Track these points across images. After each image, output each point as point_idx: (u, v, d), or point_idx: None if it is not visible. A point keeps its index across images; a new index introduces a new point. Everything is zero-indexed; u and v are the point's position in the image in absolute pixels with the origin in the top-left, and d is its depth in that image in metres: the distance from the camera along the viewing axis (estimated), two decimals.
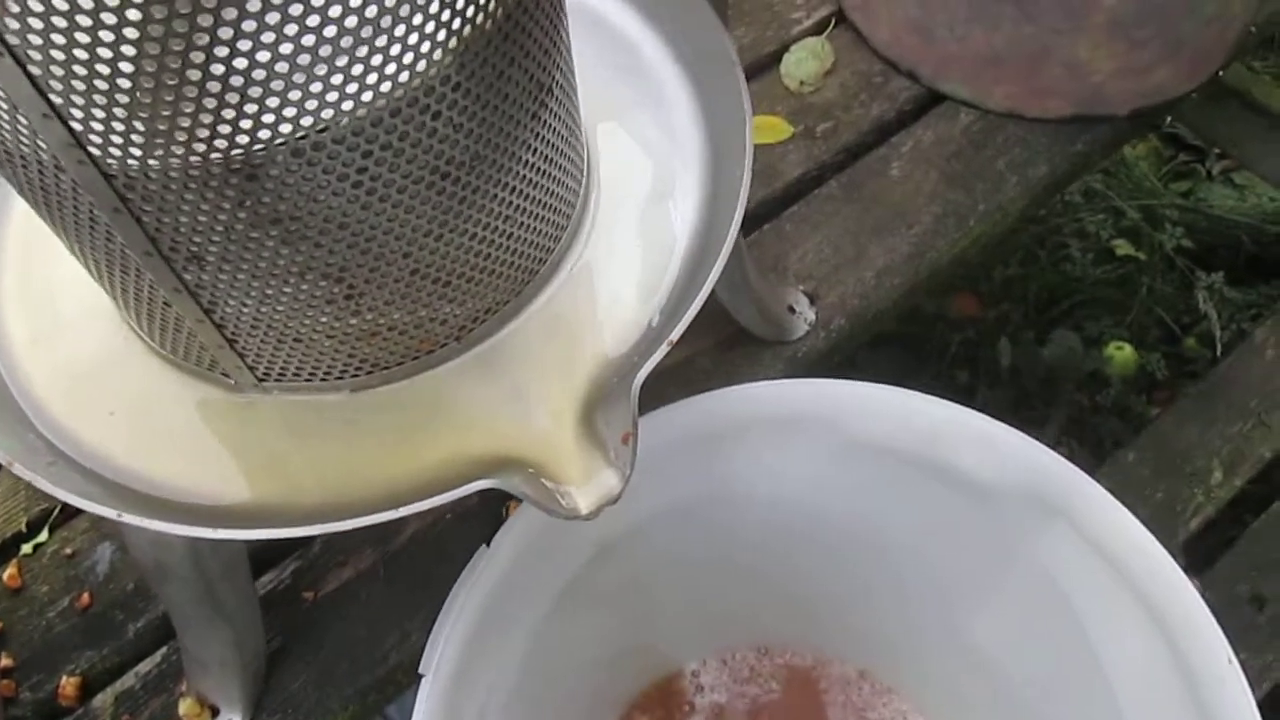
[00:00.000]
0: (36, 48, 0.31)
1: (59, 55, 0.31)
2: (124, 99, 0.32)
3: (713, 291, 0.49)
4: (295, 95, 0.34)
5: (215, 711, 0.66)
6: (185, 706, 0.65)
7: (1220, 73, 0.95)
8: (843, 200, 0.88)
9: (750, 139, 0.53)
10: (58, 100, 0.32)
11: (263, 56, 0.32)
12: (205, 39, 0.31)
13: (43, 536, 0.73)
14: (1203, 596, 0.53)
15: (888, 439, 0.61)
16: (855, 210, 0.87)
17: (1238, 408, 0.85)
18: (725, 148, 0.56)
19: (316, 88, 0.34)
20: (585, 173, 0.54)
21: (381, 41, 0.34)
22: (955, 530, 0.63)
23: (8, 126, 0.35)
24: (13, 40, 0.30)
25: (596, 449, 0.44)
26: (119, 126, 0.33)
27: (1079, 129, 0.92)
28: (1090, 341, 1.19)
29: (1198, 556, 0.79)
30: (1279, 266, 1.21)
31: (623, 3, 0.62)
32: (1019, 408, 1.15)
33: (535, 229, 0.48)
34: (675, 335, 0.47)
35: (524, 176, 0.45)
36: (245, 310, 0.42)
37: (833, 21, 0.99)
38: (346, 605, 0.70)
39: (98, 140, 0.34)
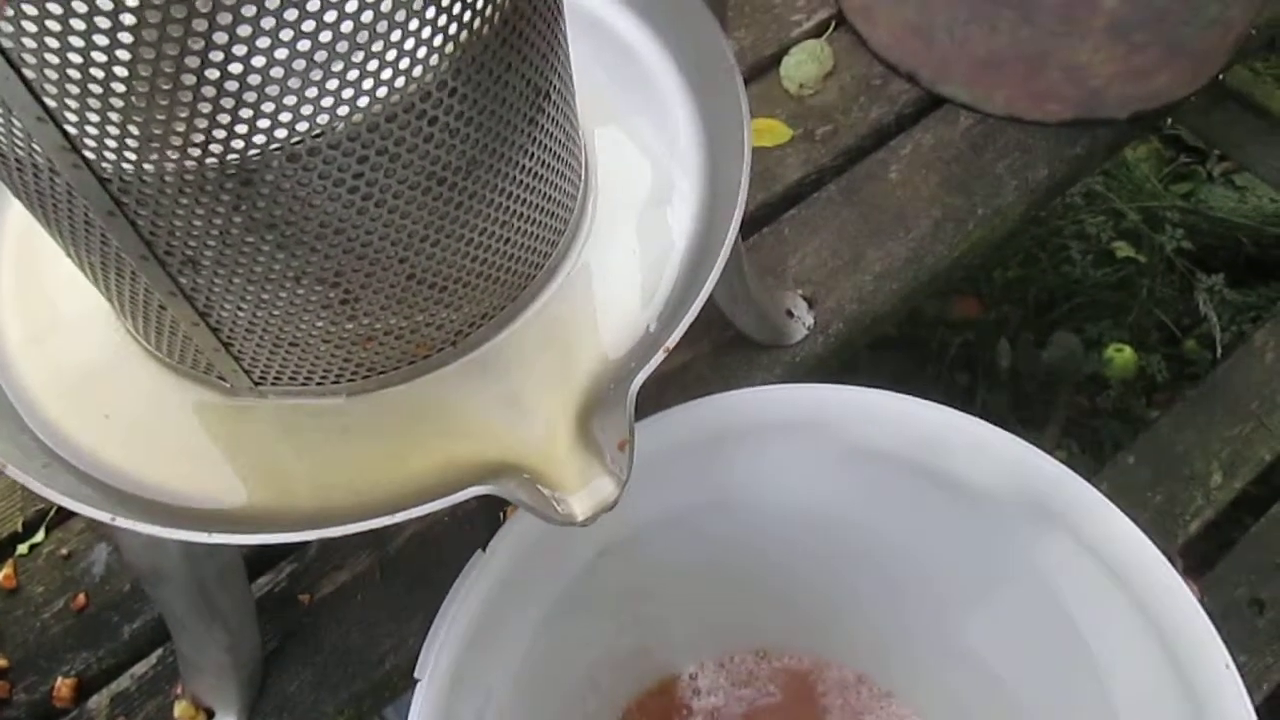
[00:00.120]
0: (31, 50, 0.30)
1: (53, 58, 0.31)
2: (119, 103, 0.32)
3: (711, 296, 0.48)
4: (291, 100, 0.34)
5: (210, 714, 0.65)
6: (180, 709, 0.65)
7: (1221, 75, 0.94)
8: (842, 204, 0.87)
9: (749, 142, 0.53)
10: (52, 103, 0.32)
11: (258, 61, 0.32)
12: (201, 43, 0.31)
13: (39, 537, 0.73)
14: (1201, 600, 0.53)
15: (885, 444, 0.61)
16: (854, 214, 0.87)
17: (1238, 410, 0.85)
18: (723, 151, 0.55)
19: (312, 92, 0.34)
20: (583, 177, 0.54)
21: (378, 47, 0.34)
22: (952, 535, 0.63)
23: (2, 129, 0.34)
24: (6, 43, 0.30)
25: (593, 455, 0.44)
26: (114, 130, 0.33)
27: (1078, 132, 0.91)
28: (1090, 343, 1.19)
29: (1197, 559, 0.79)
30: (1279, 269, 1.21)
31: (621, 6, 0.61)
32: (1019, 410, 1.15)
33: (532, 234, 0.48)
34: (673, 340, 0.47)
35: (521, 181, 0.45)
36: (241, 314, 0.42)
37: (833, 24, 0.99)
38: (343, 609, 0.70)
39: (92, 144, 0.34)
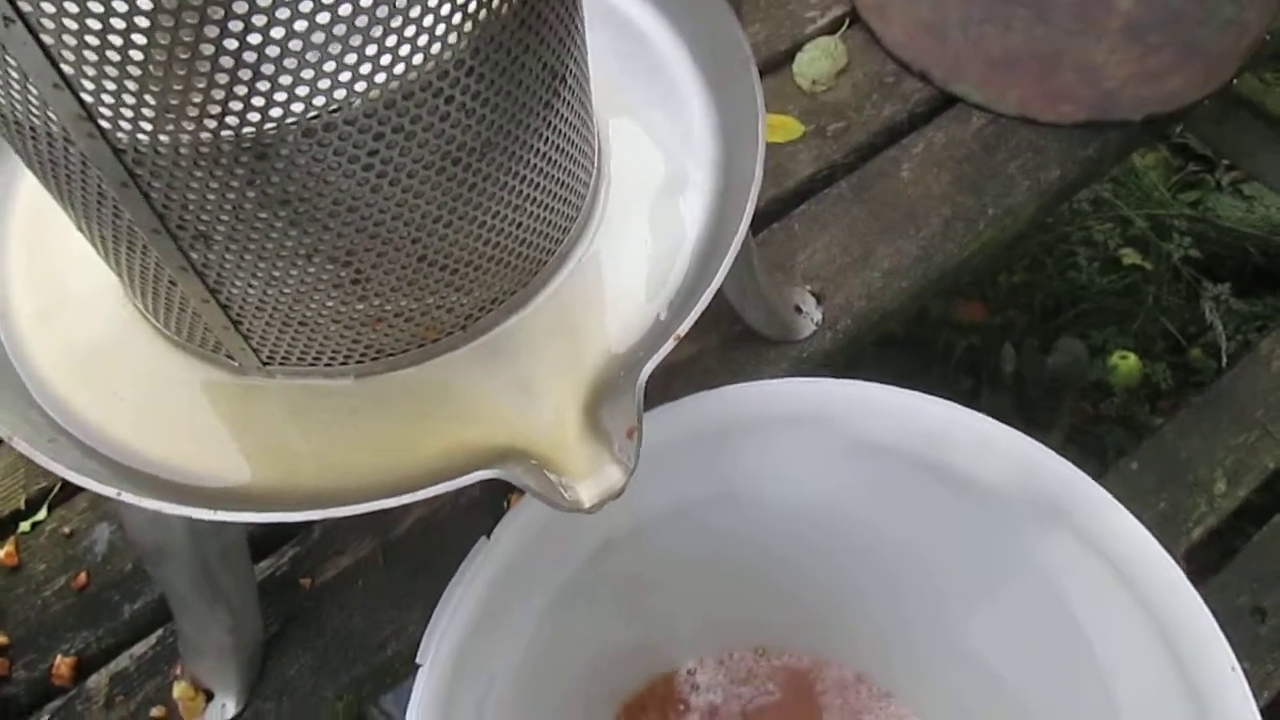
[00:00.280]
0: (49, 15, 0.30)
1: (72, 24, 0.30)
2: (136, 71, 0.32)
3: (720, 289, 0.48)
4: (309, 74, 0.34)
5: (210, 695, 0.65)
6: (180, 690, 0.65)
7: (1234, 80, 0.94)
8: (852, 201, 0.87)
9: (763, 136, 0.52)
10: (69, 70, 0.32)
11: (279, 32, 0.32)
12: (220, 13, 0.31)
13: (41, 515, 0.73)
14: None
15: (889, 439, 0.61)
16: (865, 211, 0.87)
17: (1242, 419, 0.85)
18: (737, 144, 0.55)
19: (330, 67, 0.34)
20: (596, 164, 0.54)
21: (396, 23, 0.34)
22: (956, 532, 0.63)
23: (18, 96, 0.34)
24: (25, 6, 0.30)
25: (601, 442, 0.44)
26: (130, 100, 0.33)
27: (1091, 134, 0.91)
28: (1095, 350, 1.19)
29: (1200, 567, 0.79)
30: None
31: None
32: (1022, 414, 1.14)
33: (544, 219, 0.48)
34: (683, 330, 0.47)
35: (535, 165, 0.44)
36: (251, 291, 0.42)
37: (846, 21, 0.99)
38: (345, 593, 0.70)
39: (108, 113, 0.34)
